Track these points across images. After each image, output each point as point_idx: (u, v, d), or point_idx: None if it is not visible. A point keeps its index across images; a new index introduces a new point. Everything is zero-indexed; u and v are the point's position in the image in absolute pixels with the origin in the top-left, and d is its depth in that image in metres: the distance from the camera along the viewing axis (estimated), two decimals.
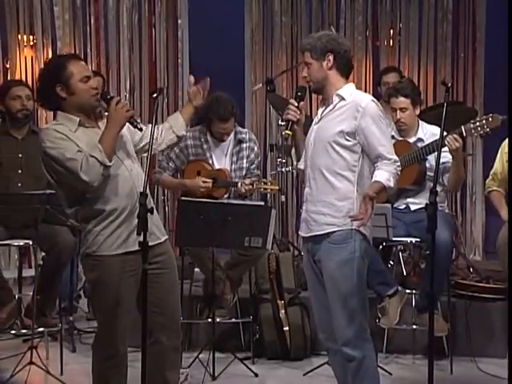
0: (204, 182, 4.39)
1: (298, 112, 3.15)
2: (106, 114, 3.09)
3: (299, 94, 3.20)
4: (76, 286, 5.10)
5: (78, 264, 5.18)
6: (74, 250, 4.42)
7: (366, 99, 3.07)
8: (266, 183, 4.43)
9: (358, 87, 6.55)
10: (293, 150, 3.36)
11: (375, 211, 3.89)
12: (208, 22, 6.72)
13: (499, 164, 4.43)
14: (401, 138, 4.29)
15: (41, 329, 4.31)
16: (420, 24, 6.38)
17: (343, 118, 3.05)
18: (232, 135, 4.56)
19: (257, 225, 3.99)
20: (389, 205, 3.99)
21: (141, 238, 2.82)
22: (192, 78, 3.38)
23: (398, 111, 4.22)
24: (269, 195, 5.77)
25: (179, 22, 6.44)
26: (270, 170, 6.18)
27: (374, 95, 6.53)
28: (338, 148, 3.04)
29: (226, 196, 4.51)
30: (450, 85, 2.98)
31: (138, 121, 3.12)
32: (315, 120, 3.20)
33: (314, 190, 3.11)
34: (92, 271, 3.12)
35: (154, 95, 3.01)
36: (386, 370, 4.11)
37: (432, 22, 6.38)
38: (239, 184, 4.38)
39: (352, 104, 3.05)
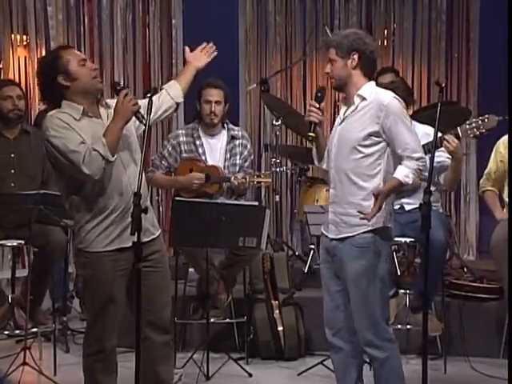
0: (197, 178, 4.38)
1: (320, 113, 3.16)
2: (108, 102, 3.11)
3: (319, 94, 3.21)
4: (69, 286, 5.11)
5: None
6: (66, 249, 4.43)
7: (388, 97, 3.07)
8: (258, 176, 4.42)
9: None
10: (314, 150, 3.35)
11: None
12: (202, 22, 6.71)
13: (493, 164, 4.43)
14: None
15: (34, 329, 4.30)
16: (414, 24, 6.40)
17: (366, 118, 3.05)
18: (225, 132, 4.57)
19: (251, 225, 3.99)
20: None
21: (135, 238, 2.81)
22: (187, 48, 3.41)
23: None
24: (263, 195, 5.78)
25: (173, 21, 6.44)
26: (264, 170, 6.18)
27: None
28: (362, 149, 3.06)
29: (219, 192, 4.50)
30: (443, 85, 2.99)
31: (144, 115, 3.09)
32: (338, 120, 3.21)
33: (340, 192, 3.12)
34: (84, 268, 3.13)
35: (148, 95, 3.01)
36: None
37: (426, 23, 6.39)
38: (232, 178, 4.37)
39: (374, 103, 3.06)
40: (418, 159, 3.03)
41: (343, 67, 3.09)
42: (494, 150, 4.45)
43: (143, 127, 3.15)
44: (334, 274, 3.18)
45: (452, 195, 6.30)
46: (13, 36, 6.12)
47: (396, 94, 4.13)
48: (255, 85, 5.77)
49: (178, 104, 3.36)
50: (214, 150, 4.55)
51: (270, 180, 4.51)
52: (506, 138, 4.39)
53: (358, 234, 3.07)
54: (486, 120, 4.00)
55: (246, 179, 4.35)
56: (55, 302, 4.44)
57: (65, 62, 3.04)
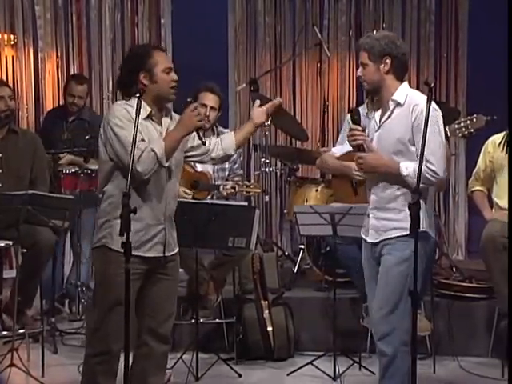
0: (185, 192, 4.37)
1: (364, 134, 3.16)
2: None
3: (356, 117, 3.20)
4: (60, 286, 5.09)
5: (64, 264, 5.20)
6: (54, 248, 4.41)
7: (422, 102, 3.03)
8: (248, 186, 4.42)
9: (342, 87, 6.65)
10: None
11: (358, 211, 3.92)
12: (191, 22, 6.70)
13: (482, 164, 4.45)
14: None
15: (22, 330, 4.27)
16: (403, 24, 6.41)
17: (401, 125, 3.04)
18: (214, 137, 4.56)
19: (240, 225, 3.99)
20: None
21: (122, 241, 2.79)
22: (258, 102, 3.41)
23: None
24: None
25: (162, 21, 6.41)
26: (253, 170, 6.18)
27: (357, 95, 6.63)
28: (399, 156, 3.06)
29: (208, 198, 4.50)
30: (432, 85, 3.00)
31: (203, 137, 3.17)
32: (374, 126, 3.19)
33: (381, 197, 3.13)
34: (102, 262, 3.10)
35: (137, 95, 3.00)
36: (369, 370, 4.14)
37: (415, 23, 6.41)
38: (221, 187, 4.37)
39: (406, 107, 3.04)
40: (431, 170, 3.00)
41: (376, 71, 3.09)
42: (483, 150, 4.46)
43: (196, 150, 3.24)
44: (375, 276, 3.18)
45: (441, 195, 6.31)
46: (0, 35, 6.08)
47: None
48: (245, 85, 5.77)
49: (228, 156, 3.39)
50: None
51: (259, 190, 4.54)
52: (494, 137, 4.41)
53: (396, 237, 3.08)
54: (475, 120, 4.01)
55: (235, 189, 4.36)
56: (44, 302, 4.42)
57: (153, 62, 3.07)
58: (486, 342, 4.45)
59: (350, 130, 3.20)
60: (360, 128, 3.17)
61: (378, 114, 3.20)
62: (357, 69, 6.78)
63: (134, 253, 3.01)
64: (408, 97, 3.10)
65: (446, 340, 4.45)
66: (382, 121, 3.15)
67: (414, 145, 3.06)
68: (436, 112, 3.08)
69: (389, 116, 3.12)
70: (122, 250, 2.98)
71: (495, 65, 6.22)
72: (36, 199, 3.92)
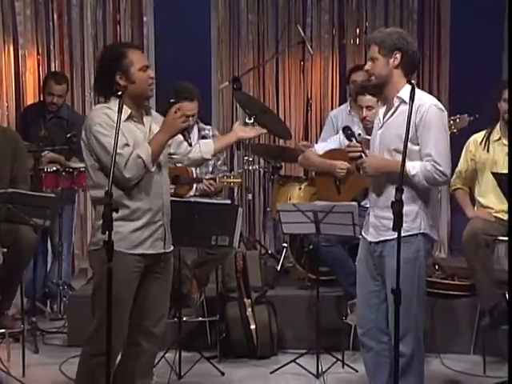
0: None
1: (360, 148, 3.20)
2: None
3: (349, 132, 3.31)
4: (42, 285, 5.05)
5: (47, 263, 5.16)
6: (35, 248, 4.37)
7: (428, 102, 3.05)
8: (228, 177, 4.41)
9: (325, 85, 6.66)
10: None
11: (341, 209, 3.92)
12: (174, 20, 6.68)
13: (464, 162, 4.46)
14: (368, 137, 4.30)
15: (2, 330, 4.25)
16: (386, 23, 6.41)
17: (404, 124, 3.00)
18: (196, 131, 4.56)
19: (223, 223, 3.97)
20: (355, 203, 4.00)
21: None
22: (237, 123, 3.52)
23: (364, 109, 4.24)
24: (236, 193, 5.76)
25: (144, 19, 6.38)
26: (236, 168, 6.16)
27: (340, 93, 6.63)
28: (399, 154, 3.02)
29: (190, 194, 4.48)
30: (415, 83, 2.99)
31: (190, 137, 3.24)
32: (378, 123, 3.20)
33: (381, 196, 3.13)
34: (102, 265, 3.01)
35: (119, 93, 2.99)
36: (352, 368, 4.14)
37: (397, 21, 6.42)
38: (204, 181, 4.36)
39: (413, 108, 3.03)
40: (437, 169, 3.01)
41: (385, 66, 3.08)
42: (464, 148, 4.48)
43: (187, 148, 3.26)
44: (371, 274, 3.20)
45: None
46: None
47: (370, 91, 4.18)
48: (227, 83, 5.76)
49: (204, 160, 3.43)
50: None
51: (239, 180, 4.52)
52: (475, 136, 4.44)
53: (394, 239, 3.04)
54: (458, 120, 4.04)
55: (215, 181, 4.34)
56: (24, 301, 4.36)
57: (128, 62, 3.05)
58: (468, 339, 4.47)
59: (348, 146, 3.25)
60: (358, 145, 3.21)
61: (381, 111, 3.20)
62: (340, 67, 6.88)
63: (135, 251, 3.05)
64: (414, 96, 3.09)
65: (428, 337, 4.43)
66: (386, 118, 3.15)
67: (417, 144, 3.05)
68: (442, 113, 3.09)
69: (392, 113, 3.12)
70: (122, 250, 3.02)
71: (477, 63, 6.28)
72: (16, 197, 3.88)
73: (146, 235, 3.09)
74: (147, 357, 3.22)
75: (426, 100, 3.09)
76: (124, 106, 3.03)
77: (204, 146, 3.38)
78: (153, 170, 3.04)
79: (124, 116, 3.03)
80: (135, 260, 3.07)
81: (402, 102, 3.09)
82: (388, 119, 3.14)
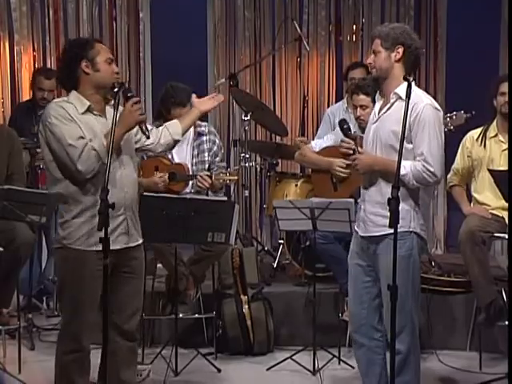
0: (160, 177, 4.34)
1: (353, 145, 3.23)
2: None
3: (345, 127, 3.27)
4: (38, 282, 5.04)
5: (42, 261, 5.15)
6: (32, 246, 4.37)
7: (424, 101, 3.04)
8: (225, 174, 4.40)
9: (321, 82, 6.65)
10: None
11: (338, 206, 3.92)
12: (170, 16, 6.65)
13: (460, 159, 4.46)
14: (362, 135, 4.30)
15: None
16: (382, 19, 6.40)
17: (399, 119, 3.01)
18: (191, 128, 4.53)
19: (220, 220, 3.96)
20: (352, 200, 4.00)
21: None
22: (194, 95, 3.51)
23: (359, 108, 4.24)
24: (232, 190, 5.76)
25: (140, 15, 6.36)
26: (233, 165, 6.16)
27: (336, 90, 6.61)
28: (391, 151, 3.05)
29: (186, 190, 4.48)
30: (412, 80, 2.97)
31: (149, 127, 3.18)
32: (373, 117, 3.20)
33: (372, 191, 3.13)
34: (65, 263, 3.09)
35: (115, 89, 3.00)
36: (348, 364, 4.14)
37: (394, 18, 6.40)
38: (198, 177, 4.35)
39: (409, 106, 3.02)
40: (428, 170, 3.01)
41: (386, 59, 3.09)
42: (461, 145, 4.48)
43: (145, 141, 3.23)
44: (363, 271, 3.20)
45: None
46: None
47: (366, 91, 4.18)
48: (224, 79, 5.75)
49: (175, 141, 3.42)
50: (180, 147, 4.50)
51: (236, 177, 4.49)
52: (472, 133, 4.43)
53: (384, 235, 3.07)
54: (455, 117, 4.04)
55: (211, 178, 4.33)
56: (20, 298, 4.41)
57: (95, 51, 3.08)
58: (464, 336, 4.49)
59: (341, 141, 3.24)
60: (348, 140, 3.20)
61: (378, 105, 3.20)
62: (336, 64, 6.88)
63: (97, 248, 2.99)
64: (411, 93, 3.07)
65: (424, 334, 4.45)
66: (382, 113, 3.15)
67: (410, 142, 3.05)
68: (438, 112, 3.09)
69: (388, 109, 3.13)
70: (84, 248, 3.02)
71: (474, 60, 6.27)
72: (12, 194, 3.85)
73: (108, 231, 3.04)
74: (123, 353, 3.20)
75: (422, 99, 3.09)
76: (82, 98, 3.06)
77: (172, 128, 3.39)
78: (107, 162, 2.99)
79: (81, 109, 3.05)
80: (96, 257, 3.02)
81: (399, 98, 3.09)
82: (383, 114, 3.14)
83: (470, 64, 6.33)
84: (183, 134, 3.46)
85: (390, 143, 3.07)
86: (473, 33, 6.31)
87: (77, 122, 3.02)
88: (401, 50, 3.08)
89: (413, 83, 3.12)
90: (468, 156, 4.41)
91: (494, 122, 4.34)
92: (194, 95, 3.52)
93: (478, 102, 4.38)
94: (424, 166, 3.02)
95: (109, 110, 3.15)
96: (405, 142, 3.00)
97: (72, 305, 3.09)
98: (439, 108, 3.12)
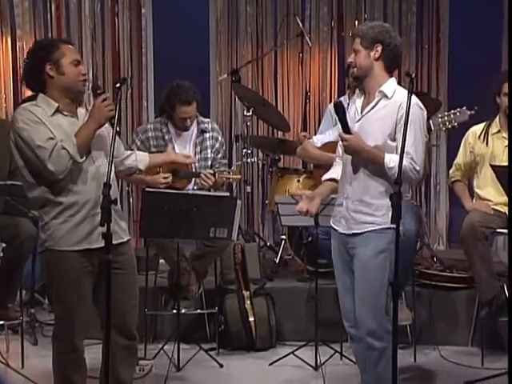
0: (164, 178, 4.34)
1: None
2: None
3: (342, 109, 3.16)
4: (40, 277, 5.04)
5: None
6: (36, 241, 4.36)
7: (406, 101, 3.01)
8: (228, 172, 4.41)
9: (324, 77, 6.65)
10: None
11: (336, 202, 3.91)
12: (172, 12, 6.66)
13: (463, 154, 4.47)
14: None
15: (0, 322, 4.26)
16: (384, 15, 6.42)
17: (387, 120, 3.04)
18: (194, 125, 4.54)
19: (222, 216, 3.96)
20: None
21: (103, 232, 2.77)
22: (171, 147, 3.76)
23: (339, 124, 4.23)
24: (234, 186, 5.77)
25: (143, 11, 6.37)
26: (235, 161, 6.17)
27: (339, 85, 6.61)
28: (378, 149, 3.05)
29: (189, 187, 4.48)
30: (414, 75, 2.99)
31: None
32: (355, 115, 3.18)
33: (355, 188, 3.13)
34: (50, 265, 3.09)
35: (118, 85, 2.98)
36: (350, 359, 4.14)
37: (396, 14, 6.43)
38: (202, 175, 4.35)
39: (394, 103, 3.04)
40: (414, 168, 3.01)
41: (366, 57, 3.10)
42: (463, 140, 4.49)
43: (124, 153, 3.27)
44: (348, 266, 3.19)
45: (422, 186, 6.35)
46: None
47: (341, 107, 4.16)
48: (226, 75, 5.77)
49: (137, 169, 3.44)
50: (184, 144, 4.53)
51: (239, 176, 4.50)
52: (474, 128, 4.44)
53: (366, 232, 3.08)
54: (458, 114, 4.03)
55: (214, 176, 4.33)
56: (23, 294, 4.40)
57: (60, 53, 3.03)
58: (466, 331, 4.50)
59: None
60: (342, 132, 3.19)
61: (358, 102, 3.20)
62: (338, 59, 6.87)
63: (79, 247, 3.00)
64: (396, 92, 3.10)
65: (426, 329, 4.49)
66: (366, 111, 3.15)
67: (394, 140, 3.06)
68: (422, 111, 3.09)
69: (373, 107, 3.12)
70: (66, 249, 3.00)
71: (476, 56, 6.27)
72: (15, 190, 3.89)
73: (88, 229, 3.03)
74: (121, 350, 3.18)
75: (406, 96, 3.06)
76: (49, 100, 3.03)
77: (140, 156, 3.42)
78: (81, 160, 2.98)
79: (49, 111, 3.02)
80: (80, 256, 3.02)
81: (384, 96, 3.10)
82: (368, 112, 3.14)
83: (472, 60, 6.33)
84: (146, 167, 3.49)
85: (378, 144, 3.07)
86: (475, 29, 6.31)
87: (46, 124, 2.98)
88: (379, 48, 3.09)
89: (395, 81, 3.15)
90: (470, 151, 4.42)
91: (497, 119, 4.35)
92: (170, 147, 3.70)
93: (480, 97, 4.38)
94: (411, 163, 3.02)
95: (80, 111, 3.12)
96: (389, 140, 3.03)
97: (61, 306, 3.08)
98: (423, 108, 3.13)
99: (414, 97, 3.10)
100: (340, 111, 3.18)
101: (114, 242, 3.00)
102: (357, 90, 3.29)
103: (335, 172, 3.35)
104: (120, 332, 3.14)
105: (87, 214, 3.03)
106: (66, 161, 2.94)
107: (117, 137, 3.16)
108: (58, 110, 3.04)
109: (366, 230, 3.10)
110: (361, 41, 3.11)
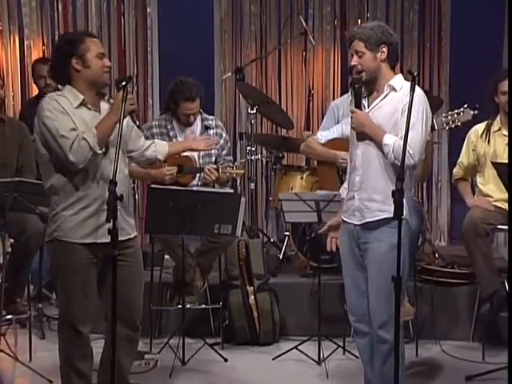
0: (168, 170, 4.39)
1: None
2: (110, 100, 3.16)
3: (356, 86, 3.17)
4: (48, 272, 5.08)
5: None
6: (43, 237, 4.40)
7: (416, 91, 3.04)
8: (232, 167, 4.45)
9: (327, 76, 6.67)
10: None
11: (339, 198, 3.93)
12: (177, 11, 6.70)
13: (465, 153, 4.49)
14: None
15: (9, 316, 4.30)
16: (387, 14, 6.44)
17: (392, 107, 3.06)
18: (199, 121, 4.57)
19: (226, 212, 4.01)
20: None
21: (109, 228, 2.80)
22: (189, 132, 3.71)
23: (352, 101, 4.26)
24: (238, 183, 5.81)
25: (148, 10, 6.40)
26: (239, 158, 6.21)
27: (341, 83, 6.62)
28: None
29: (193, 183, 4.52)
30: (416, 74, 2.99)
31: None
32: (364, 110, 3.20)
33: (366, 178, 3.15)
34: (57, 255, 3.15)
35: (123, 83, 3.03)
36: (353, 354, 4.18)
37: (399, 12, 6.44)
38: (206, 169, 4.40)
39: (401, 94, 3.07)
40: (411, 155, 3.01)
41: (373, 60, 3.12)
42: (466, 139, 4.51)
43: (136, 131, 3.28)
44: (358, 261, 3.21)
45: (424, 183, 6.38)
46: None
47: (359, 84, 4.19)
48: (230, 73, 5.79)
49: (157, 160, 3.49)
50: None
51: (242, 171, 4.53)
52: (476, 127, 4.46)
53: (379, 220, 3.10)
54: (462, 113, 4.04)
55: (218, 171, 4.37)
56: (30, 288, 4.45)
57: (85, 47, 3.10)
58: (467, 326, 4.52)
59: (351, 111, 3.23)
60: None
61: (365, 102, 3.21)
62: (341, 58, 6.87)
63: (85, 241, 3.05)
64: (404, 86, 3.13)
65: (428, 324, 4.51)
66: (375, 103, 3.17)
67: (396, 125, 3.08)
68: (426, 102, 3.11)
69: (382, 99, 3.16)
70: (74, 241, 3.06)
71: (478, 54, 6.30)
72: (22, 186, 3.91)
73: (96, 224, 3.08)
74: (123, 341, 3.21)
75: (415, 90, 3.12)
76: (76, 93, 3.08)
77: (159, 146, 3.45)
78: (100, 152, 3.04)
79: (75, 103, 3.08)
80: (85, 249, 3.07)
81: (393, 89, 3.13)
82: (377, 104, 3.17)
83: (473, 58, 6.36)
84: (166, 158, 3.54)
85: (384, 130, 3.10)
86: (476, 27, 6.34)
87: (70, 115, 3.05)
88: (385, 49, 3.11)
89: (402, 77, 3.18)
90: (473, 150, 4.44)
91: (498, 117, 4.38)
92: (188, 132, 3.53)
93: (482, 96, 4.41)
94: (409, 154, 3.01)
95: (103, 105, 3.18)
96: (395, 130, 3.06)
97: (65, 294, 3.15)
98: (425, 98, 3.15)
99: (419, 90, 3.13)
100: (358, 91, 3.18)
101: (122, 238, 3.08)
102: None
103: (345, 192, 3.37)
104: (124, 323, 3.18)
105: (98, 208, 3.08)
106: (86, 152, 3.01)
107: (135, 128, 3.26)
108: (82, 103, 3.10)
109: (379, 217, 3.09)
110: (365, 44, 3.12)
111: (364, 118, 3.14)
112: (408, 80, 3.08)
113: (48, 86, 5.18)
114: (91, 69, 3.10)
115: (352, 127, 3.21)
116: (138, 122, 3.19)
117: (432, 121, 3.95)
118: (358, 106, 3.17)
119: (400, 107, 3.07)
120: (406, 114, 2.99)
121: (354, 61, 3.15)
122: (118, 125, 3.04)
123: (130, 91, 3.10)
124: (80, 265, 3.08)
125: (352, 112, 3.18)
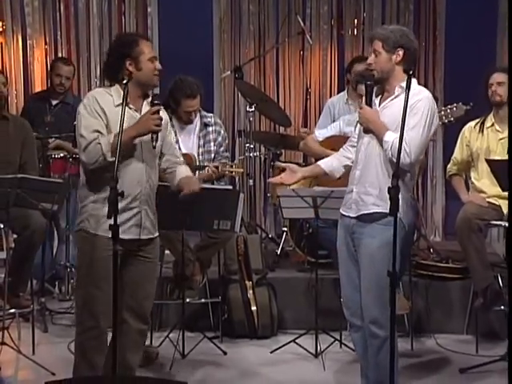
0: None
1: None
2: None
3: (368, 82, 3.22)
4: (50, 267, 5.12)
5: (53, 246, 5.26)
6: (46, 232, 4.45)
7: (422, 94, 3.15)
8: (231, 166, 4.50)
9: (324, 74, 6.72)
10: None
11: (339, 195, 4.02)
12: (177, 11, 6.75)
13: (459, 149, 4.53)
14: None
15: (12, 310, 4.34)
16: (383, 14, 6.50)
17: (400, 110, 3.06)
18: (198, 119, 4.61)
19: (225, 208, 4.03)
20: None
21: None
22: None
23: (364, 97, 4.33)
24: (237, 179, 5.86)
25: (148, 9, 6.46)
26: (238, 155, 6.26)
27: (338, 82, 6.68)
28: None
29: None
30: (411, 72, 3.05)
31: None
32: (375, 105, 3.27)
33: (365, 172, 3.20)
34: (83, 244, 3.21)
35: (124, 81, 3.08)
36: (349, 347, 4.21)
37: (394, 12, 6.49)
38: (206, 168, 4.44)
39: (411, 95, 3.07)
40: (404, 148, 3.03)
41: (387, 61, 3.17)
42: (460, 135, 4.55)
43: (172, 138, 3.39)
44: (353, 256, 3.25)
45: (419, 179, 6.43)
46: None
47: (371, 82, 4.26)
48: (229, 72, 5.81)
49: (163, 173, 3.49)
50: (187, 137, 4.59)
51: (241, 170, 4.56)
52: (470, 124, 4.50)
53: (374, 213, 3.15)
54: (455, 109, 4.09)
55: (218, 169, 4.42)
56: (33, 283, 4.50)
57: (139, 50, 3.16)
58: (461, 320, 4.56)
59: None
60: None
61: (377, 100, 3.27)
62: (338, 57, 6.91)
63: (109, 234, 3.03)
64: (415, 89, 3.16)
65: (423, 318, 4.55)
66: (387, 102, 3.22)
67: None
68: (430, 102, 3.16)
69: (392, 99, 3.21)
70: (98, 233, 3.13)
71: (472, 53, 6.35)
72: (25, 182, 3.92)
73: (119, 221, 3.05)
74: (134, 334, 3.27)
75: (423, 91, 3.20)
76: (120, 92, 3.11)
77: (178, 175, 3.40)
78: (111, 159, 3.02)
79: (118, 101, 3.11)
80: (109, 242, 3.05)
81: (404, 91, 3.17)
82: (388, 103, 3.22)
83: (468, 58, 6.41)
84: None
85: (393, 128, 3.15)
86: (471, 27, 6.39)
87: (107, 114, 3.10)
88: (401, 52, 3.16)
89: (415, 80, 3.22)
90: (467, 145, 4.48)
91: (491, 113, 4.44)
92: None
93: (476, 94, 4.47)
94: (406, 152, 3.07)
95: (145, 108, 3.22)
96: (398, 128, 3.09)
97: (88, 285, 3.18)
98: (434, 101, 3.21)
99: (428, 93, 3.21)
100: (369, 89, 3.24)
101: (144, 237, 3.21)
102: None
103: (327, 163, 3.44)
104: (135, 316, 3.24)
105: (125, 206, 3.12)
106: (97, 155, 3.06)
107: (173, 140, 3.37)
108: (125, 103, 3.12)
109: (372, 211, 3.14)
110: (383, 44, 3.17)
111: (370, 114, 3.20)
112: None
113: (61, 85, 5.25)
114: (143, 71, 3.15)
115: (359, 123, 3.28)
116: (155, 144, 3.15)
117: None
118: (369, 103, 3.23)
119: (409, 105, 3.09)
120: (412, 114, 3.08)
121: (370, 59, 3.21)
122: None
123: (158, 110, 3.12)
124: (103, 257, 3.11)
125: (360, 108, 3.25)
